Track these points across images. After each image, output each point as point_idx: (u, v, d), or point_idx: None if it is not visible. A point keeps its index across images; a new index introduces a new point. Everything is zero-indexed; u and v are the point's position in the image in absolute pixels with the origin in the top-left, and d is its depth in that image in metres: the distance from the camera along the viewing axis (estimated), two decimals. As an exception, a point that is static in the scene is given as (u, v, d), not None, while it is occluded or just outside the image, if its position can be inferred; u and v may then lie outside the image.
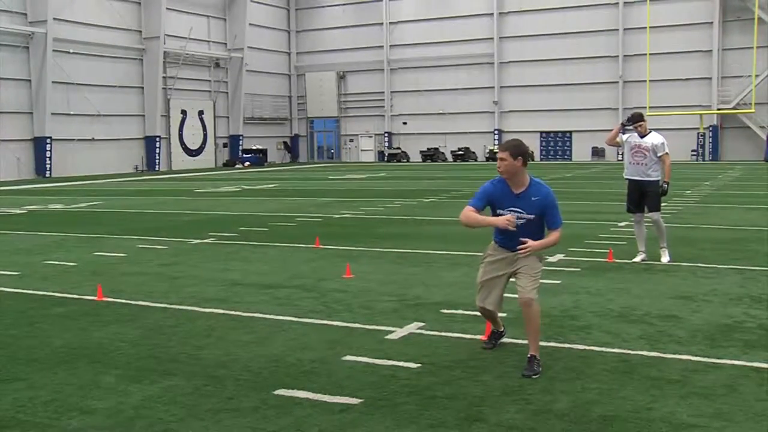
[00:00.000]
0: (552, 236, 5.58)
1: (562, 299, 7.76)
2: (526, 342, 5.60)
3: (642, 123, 10.16)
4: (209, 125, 50.19)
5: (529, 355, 5.46)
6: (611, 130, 10.88)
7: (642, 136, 10.17)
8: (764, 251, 10.85)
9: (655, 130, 10.14)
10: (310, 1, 57.39)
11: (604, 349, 5.97)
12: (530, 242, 5.47)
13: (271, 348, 6.14)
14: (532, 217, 5.54)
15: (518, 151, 5.45)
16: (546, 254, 5.82)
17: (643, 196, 10.17)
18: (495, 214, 5.64)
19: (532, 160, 49.35)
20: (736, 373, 5.35)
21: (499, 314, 5.97)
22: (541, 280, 5.64)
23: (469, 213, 5.57)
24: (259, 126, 55.00)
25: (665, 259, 10.04)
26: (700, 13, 46.34)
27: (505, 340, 6.22)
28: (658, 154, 10.06)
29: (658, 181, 10.13)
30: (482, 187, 5.71)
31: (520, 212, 5.53)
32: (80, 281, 9.26)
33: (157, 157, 45.41)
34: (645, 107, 43.87)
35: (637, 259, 10.13)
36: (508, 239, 5.62)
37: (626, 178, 10.34)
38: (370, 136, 56.48)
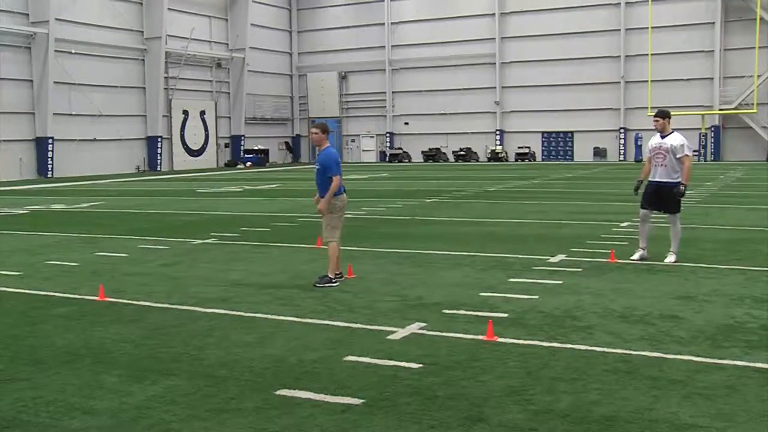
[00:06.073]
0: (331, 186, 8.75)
1: (563, 299, 7.76)
2: (527, 342, 5.59)
3: (658, 119, 9.98)
4: (211, 125, 50.16)
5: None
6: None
7: (663, 137, 9.96)
8: (766, 251, 10.83)
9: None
10: (311, 2, 57.38)
11: (605, 349, 5.97)
12: (320, 206, 8.90)
13: (272, 348, 6.14)
14: (318, 167, 8.98)
15: (325, 128, 9.21)
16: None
17: (660, 198, 9.92)
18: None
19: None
20: (738, 373, 5.35)
21: None
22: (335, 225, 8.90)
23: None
24: (260, 126, 54.97)
25: (670, 259, 9.86)
26: (702, 13, 46.29)
27: (505, 340, 6.22)
28: (677, 156, 9.78)
29: (678, 183, 9.82)
30: (336, 158, 9.03)
31: (317, 166, 9.03)
32: (82, 281, 9.27)
33: (159, 158, 45.40)
34: (647, 107, 43.84)
35: (636, 256, 10.03)
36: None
37: (648, 180, 10.08)
38: (372, 137, 56.42)
